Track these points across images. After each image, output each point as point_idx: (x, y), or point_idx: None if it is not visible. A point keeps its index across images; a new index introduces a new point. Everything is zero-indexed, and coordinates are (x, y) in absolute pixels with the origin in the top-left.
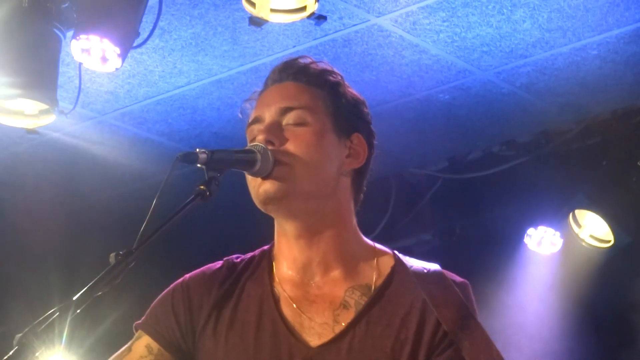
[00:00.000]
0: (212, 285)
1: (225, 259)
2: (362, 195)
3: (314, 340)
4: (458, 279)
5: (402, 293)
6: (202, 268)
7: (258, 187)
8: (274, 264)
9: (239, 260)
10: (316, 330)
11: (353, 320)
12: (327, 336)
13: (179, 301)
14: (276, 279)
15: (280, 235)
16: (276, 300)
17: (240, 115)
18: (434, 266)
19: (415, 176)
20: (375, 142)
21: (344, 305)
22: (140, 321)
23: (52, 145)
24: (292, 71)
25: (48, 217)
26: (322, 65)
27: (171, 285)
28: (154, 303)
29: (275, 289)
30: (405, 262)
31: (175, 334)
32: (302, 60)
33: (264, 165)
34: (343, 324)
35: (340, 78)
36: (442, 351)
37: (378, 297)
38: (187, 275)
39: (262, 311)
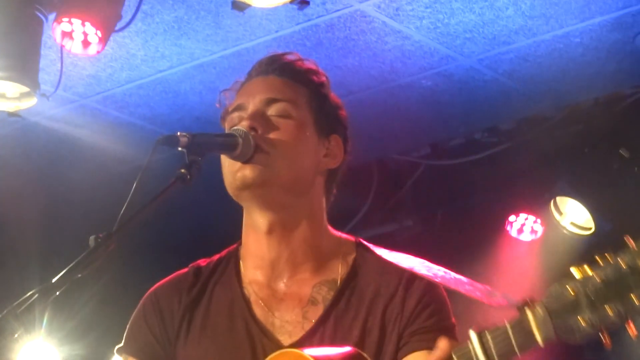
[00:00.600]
0: (181, 292)
1: (191, 265)
2: (332, 197)
3: (286, 339)
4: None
5: (366, 283)
6: (168, 277)
7: (236, 172)
8: (241, 264)
9: (205, 264)
10: (287, 329)
11: (321, 316)
12: (298, 334)
13: (150, 314)
14: (244, 280)
15: (249, 230)
16: (247, 302)
17: (218, 105)
18: (405, 262)
19: (397, 162)
20: (349, 148)
21: (312, 302)
22: (120, 345)
23: (34, 128)
24: (278, 66)
25: (29, 200)
26: (308, 64)
27: (141, 301)
28: (129, 324)
29: (245, 290)
30: (373, 251)
31: (155, 347)
32: (288, 57)
33: (245, 150)
34: (312, 321)
35: (324, 79)
36: (413, 320)
37: (343, 290)
38: (155, 286)
39: (234, 313)
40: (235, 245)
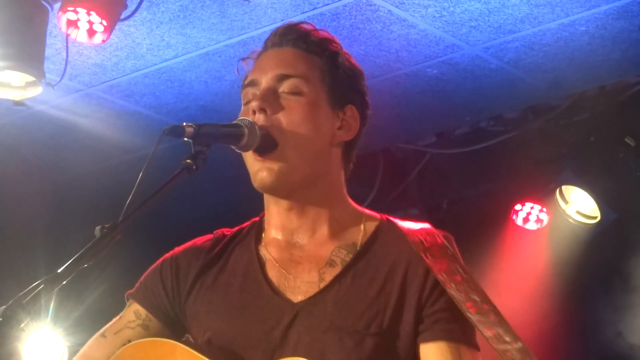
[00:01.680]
0: (200, 253)
1: (215, 231)
2: (351, 165)
3: (299, 298)
4: (442, 232)
5: (387, 248)
6: (192, 240)
7: (255, 174)
8: (264, 228)
9: (228, 232)
10: (302, 289)
11: (338, 274)
12: (312, 292)
13: (167, 269)
14: (263, 243)
15: (271, 205)
16: (262, 263)
17: (237, 73)
18: (423, 225)
19: (402, 151)
20: (369, 112)
21: (330, 264)
22: (131, 291)
23: (39, 117)
24: (293, 37)
25: (35, 190)
26: (322, 34)
27: (162, 257)
28: (144, 275)
29: (261, 252)
30: (394, 221)
31: (163, 300)
32: (303, 27)
33: (251, 140)
34: (328, 280)
35: (339, 47)
36: (435, 300)
37: (363, 253)
38: (177, 248)
39: (247, 273)
40: (258, 218)
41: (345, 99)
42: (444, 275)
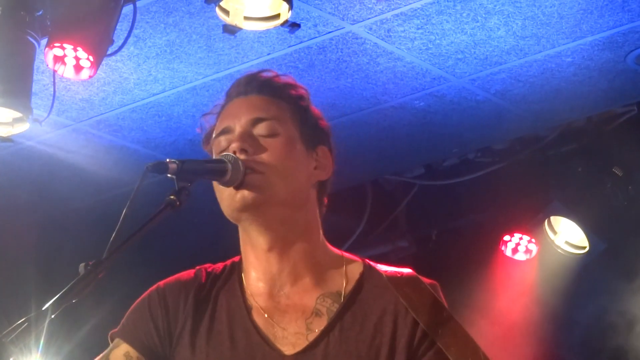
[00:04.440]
0: (188, 292)
1: (197, 267)
2: (324, 209)
3: (289, 350)
4: (427, 280)
5: (373, 298)
6: (175, 275)
7: (234, 196)
8: (243, 276)
9: (210, 269)
10: (290, 340)
11: (326, 327)
12: (302, 345)
13: (156, 307)
14: (247, 291)
15: (247, 248)
16: (248, 311)
17: (199, 130)
18: (407, 270)
19: (391, 183)
20: (334, 158)
21: (316, 313)
22: (116, 330)
23: (27, 153)
24: (257, 84)
25: (23, 225)
26: (285, 79)
27: (146, 292)
28: (129, 310)
29: (247, 300)
30: (376, 267)
31: (154, 339)
32: (265, 74)
33: (235, 175)
34: (317, 331)
35: (303, 92)
36: (424, 352)
37: (349, 304)
38: (162, 282)
39: (235, 322)
40: (238, 258)
41: (316, 139)
42: (433, 327)
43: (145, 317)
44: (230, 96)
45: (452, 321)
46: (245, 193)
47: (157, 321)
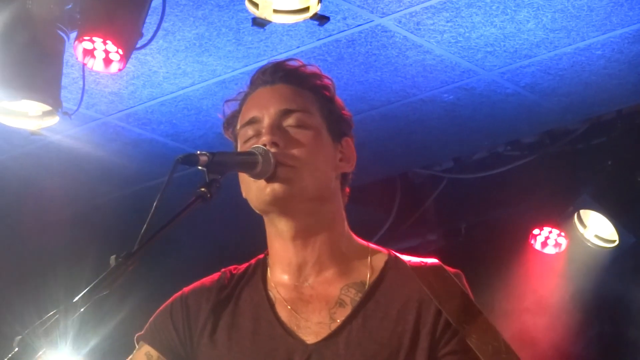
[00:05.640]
0: (210, 293)
1: (222, 270)
2: (347, 199)
3: (311, 339)
4: (452, 270)
5: (396, 287)
6: (200, 280)
7: (263, 189)
8: (268, 269)
9: (235, 270)
10: (313, 330)
11: (349, 315)
12: (324, 334)
13: (177, 310)
14: (270, 283)
15: (274, 238)
16: (271, 304)
17: (221, 116)
18: (431, 260)
19: (420, 176)
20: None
21: (340, 304)
22: (140, 333)
23: (56, 146)
24: (283, 73)
25: (53, 219)
26: (311, 69)
27: (169, 299)
28: (153, 316)
29: (270, 293)
30: (401, 258)
31: (174, 340)
32: (291, 63)
33: (265, 168)
34: (339, 321)
35: (329, 82)
36: (447, 341)
37: (372, 292)
38: (186, 288)
39: (258, 315)
40: (263, 255)
41: (341, 131)
42: (456, 316)
43: (166, 319)
44: (255, 84)
45: (475, 310)
46: (275, 187)
47: (177, 323)
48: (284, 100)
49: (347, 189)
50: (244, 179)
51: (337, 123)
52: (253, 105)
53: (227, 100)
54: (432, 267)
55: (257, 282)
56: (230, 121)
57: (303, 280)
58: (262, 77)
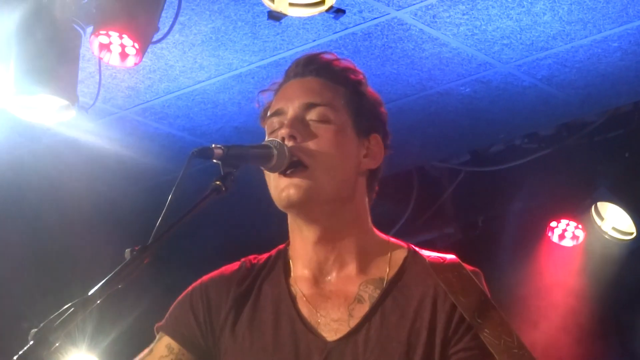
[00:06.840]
0: (230, 285)
1: (242, 259)
2: (374, 195)
3: (331, 336)
4: (470, 268)
5: (414, 283)
6: (219, 269)
7: (281, 191)
8: (290, 263)
9: (255, 260)
10: (332, 327)
11: (367, 313)
12: (344, 331)
13: (197, 301)
14: (292, 278)
15: (296, 236)
16: (293, 300)
17: (257, 105)
18: (450, 256)
19: (437, 169)
20: (389, 143)
21: (359, 300)
22: (160, 323)
23: (73, 141)
24: (315, 67)
25: (71, 214)
26: (345, 63)
27: (190, 287)
28: (173, 305)
29: (292, 288)
30: (420, 253)
31: (195, 332)
32: (325, 56)
33: (280, 161)
34: (358, 318)
35: (362, 77)
36: (460, 337)
37: (390, 289)
38: (205, 277)
39: (280, 310)
40: (284, 245)
41: (369, 127)
42: (471, 312)
43: (187, 311)
44: (288, 76)
45: (489, 305)
46: (291, 191)
47: (199, 315)
48: (309, 94)
49: (376, 186)
50: (266, 173)
51: (365, 119)
52: (281, 97)
53: (262, 91)
54: (450, 263)
55: (278, 275)
56: (264, 112)
57: (324, 277)
58: (294, 69)
